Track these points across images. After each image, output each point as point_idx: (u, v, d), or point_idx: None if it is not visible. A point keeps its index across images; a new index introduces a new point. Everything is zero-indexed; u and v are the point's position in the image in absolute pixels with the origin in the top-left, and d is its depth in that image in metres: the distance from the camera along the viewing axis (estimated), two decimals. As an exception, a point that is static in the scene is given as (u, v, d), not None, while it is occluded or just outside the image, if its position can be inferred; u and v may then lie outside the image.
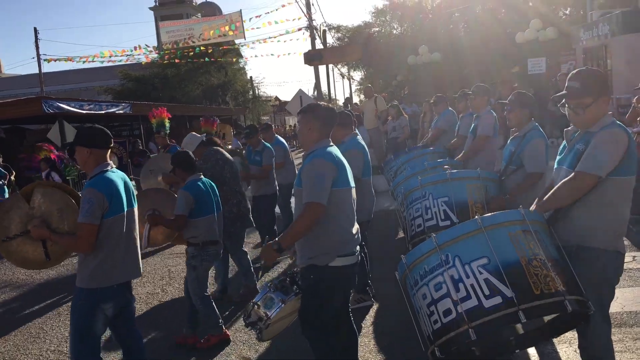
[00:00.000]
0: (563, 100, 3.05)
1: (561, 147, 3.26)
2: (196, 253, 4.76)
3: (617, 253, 2.94)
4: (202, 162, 5.63)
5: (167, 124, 8.58)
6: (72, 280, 7.08)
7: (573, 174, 2.87)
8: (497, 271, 2.65)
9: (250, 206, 6.27)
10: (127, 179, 3.61)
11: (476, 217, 2.83)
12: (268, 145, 7.62)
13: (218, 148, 5.97)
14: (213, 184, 5.04)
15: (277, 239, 3.25)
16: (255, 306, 3.29)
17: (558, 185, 2.97)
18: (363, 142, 5.34)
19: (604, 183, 2.84)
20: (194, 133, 6.72)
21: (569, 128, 3.14)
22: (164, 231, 5.06)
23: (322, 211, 3.13)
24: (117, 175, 3.49)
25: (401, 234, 7.76)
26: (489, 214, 2.95)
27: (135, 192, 3.70)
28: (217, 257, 4.97)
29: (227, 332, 4.89)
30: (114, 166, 3.56)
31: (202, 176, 4.95)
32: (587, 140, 2.93)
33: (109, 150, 3.53)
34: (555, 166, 3.18)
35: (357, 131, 5.52)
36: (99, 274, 3.36)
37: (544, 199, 3.01)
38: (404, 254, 3.03)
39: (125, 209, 3.44)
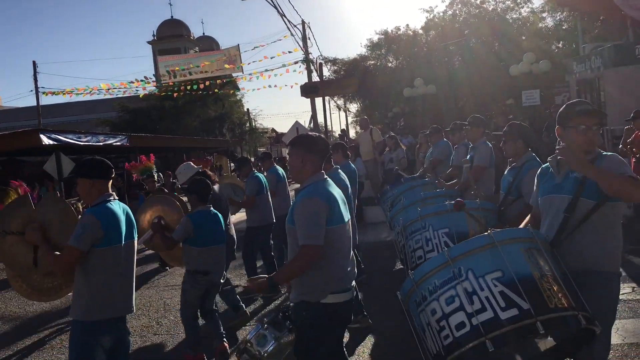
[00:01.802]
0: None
1: (540, 174, 3.26)
2: (187, 278, 5.00)
3: (619, 276, 3.02)
4: None
5: (153, 169, 8.58)
6: (65, 313, 7.04)
7: (624, 176, 2.78)
8: (512, 284, 2.63)
9: (235, 238, 6.41)
10: (129, 211, 3.57)
11: (489, 231, 2.83)
12: (256, 174, 7.50)
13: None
14: (220, 216, 5.15)
15: (272, 275, 3.19)
16: (248, 344, 3.19)
17: (619, 178, 2.79)
18: (342, 180, 5.13)
19: (606, 207, 2.90)
20: (190, 163, 6.75)
21: (553, 157, 3.13)
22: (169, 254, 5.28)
23: (319, 252, 3.05)
24: (119, 207, 3.46)
25: (399, 265, 7.71)
26: (500, 229, 2.94)
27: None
28: (208, 287, 5.01)
29: (202, 354, 5.01)
30: (116, 198, 3.54)
31: (211, 208, 5.10)
32: None
33: (111, 181, 3.52)
34: (545, 195, 3.14)
35: (338, 167, 5.49)
36: (94, 306, 3.30)
37: (603, 173, 2.80)
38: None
39: (124, 242, 3.40)
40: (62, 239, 3.44)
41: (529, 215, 3.52)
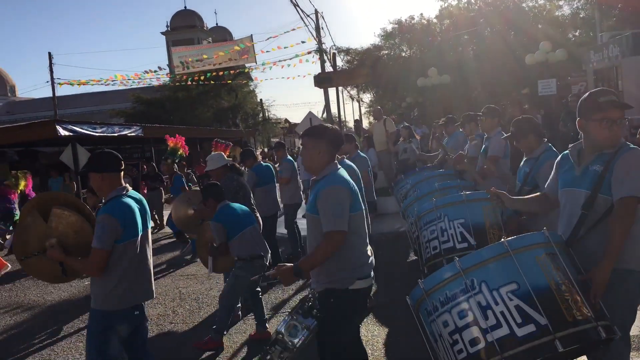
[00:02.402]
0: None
1: (560, 164, 3.17)
2: (242, 265, 5.18)
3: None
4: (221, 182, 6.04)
5: (179, 154, 8.63)
6: (83, 302, 7.15)
7: (618, 202, 2.74)
8: (528, 297, 2.51)
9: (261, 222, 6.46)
10: (144, 201, 3.63)
11: (502, 239, 2.70)
12: (262, 165, 7.92)
13: (234, 174, 6.55)
14: (239, 205, 5.49)
15: (297, 263, 3.22)
16: (280, 335, 3.20)
17: (610, 224, 2.78)
18: (352, 166, 5.36)
19: None
20: (222, 154, 6.84)
21: (573, 146, 3.06)
22: (225, 260, 5.42)
23: (343, 239, 3.11)
24: (133, 198, 3.52)
25: (412, 256, 7.71)
26: (514, 237, 2.82)
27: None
28: (261, 271, 5.00)
29: (223, 342, 5.22)
30: (130, 188, 3.59)
31: (228, 202, 5.38)
32: (605, 161, 2.85)
33: (122, 173, 3.56)
34: (564, 187, 3.06)
35: (343, 158, 5.61)
36: (113, 296, 3.38)
37: (608, 252, 2.74)
38: (417, 277, 2.97)
39: (140, 233, 3.47)
40: (82, 246, 3.52)
41: (540, 195, 3.43)
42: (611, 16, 19.82)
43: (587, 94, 3.04)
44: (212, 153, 6.68)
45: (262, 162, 8.14)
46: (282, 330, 3.19)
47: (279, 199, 8.44)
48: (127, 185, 3.59)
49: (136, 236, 3.43)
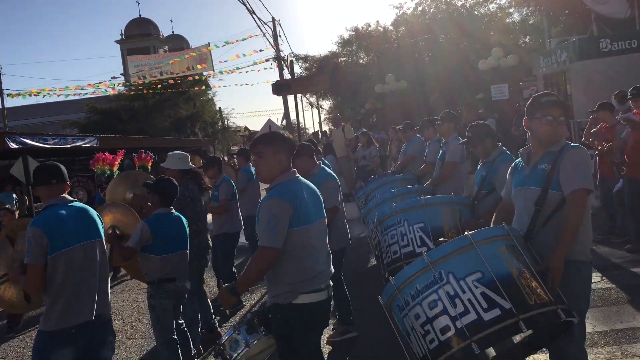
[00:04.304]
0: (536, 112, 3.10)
1: (513, 167, 3.38)
2: (153, 292, 4.52)
3: (590, 264, 3.09)
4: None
5: (114, 172, 8.04)
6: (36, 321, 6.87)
7: (570, 195, 2.93)
8: (492, 284, 2.68)
9: (211, 243, 5.90)
10: (89, 211, 3.43)
11: (466, 233, 2.87)
12: (227, 177, 6.87)
13: (191, 184, 5.55)
14: (184, 219, 4.73)
15: (232, 284, 3.10)
16: (221, 347, 3.19)
17: (565, 215, 2.94)
18: (331, 171, 5.35)
19: None
20: (188, 155, 5.84)
21: (524, 149, 3.26)
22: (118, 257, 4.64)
23: (275, 255, 2.99)
24: (70, 208, 3.32)
25: (373, 262, 7.75)
26: (476, 230, 2.98)
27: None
28: (177, 295, 4.60)
29: None
30: (72, 199, 3.40)
31: (173, 211, 4.66)
32: (552, 159, 3.04)
33: (58, 185, 3.35)
34: (517, 187, 3.22)
35: (321, 160, 5.52)
36: (52, 315, 3.19)
37: (563, 240, 2.90)
38: (379, 283, 3.00)
39: (76, 244, 3.25)
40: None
41: (498, 207, 3.58)
42: (559, 23, 20.54)
43: (532, 97, 3.28)
44: (177, 152, 5.74)
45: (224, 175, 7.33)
46: (225, 343, 3.18)
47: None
48: (66, 196, 3.38)
49: (67, 247, 3.20)
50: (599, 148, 6.99)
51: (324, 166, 5.42)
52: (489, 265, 2.72)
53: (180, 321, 4.79)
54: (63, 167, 3.44)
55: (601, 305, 5.21)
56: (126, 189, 6.22)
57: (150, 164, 8.34)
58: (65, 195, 3.38)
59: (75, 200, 3.44)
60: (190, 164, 5.75)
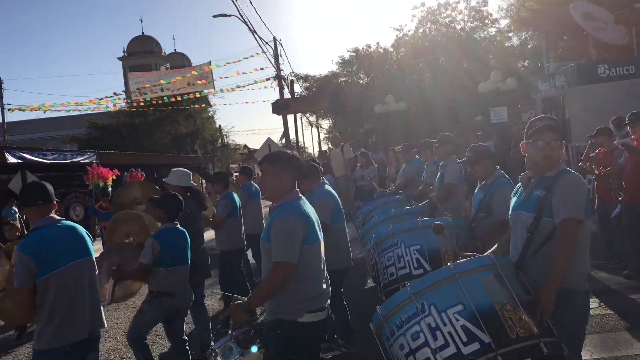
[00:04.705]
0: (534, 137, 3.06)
1: (515, 191, 3.35)
2: (149, 299, 4.67)
3: (587, 292, 3.01)
4: None
5: (108, 186, 7.96)
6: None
7: (560, 224, 2.86)
8: (473, 317, 2.65)
9: (209, 258, 6.07)
10: (78, 229, 3.45)
11: (449, 263, 2.84)
12: (229, 195, 6.91)
13: (192, 202, 5.76)
14: (187, 234, 4.88)
15: (246, 299, 3.13)
16: (213, 353, 3.17)
17: (553, 245, 2.89)
18: (331, 189, 5.32)
19: None
20: (190, 173, 6.12)
21: (524, 174, 3.22)
22: (124, 289, 4.97)
23: (292, 270, 3.03)
24: (58, 229, 3.33)
25: (370, 283, 7.70)
26: (461, 260, 2.97)
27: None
28: (172, 311, 4.74)
29: None
30: (60, 218, 3.42)
31: (177, 225, 4.82)
32: (546, 185, 2.99)
33: (44, 205, 3.35)
34: (512, 211, 3.22)
35: (324, 180, 5.52)
36: (46, 333, 3.22)
37: (552, 271, 2.84)
38: (376, 304, 3.00)
39: (66, 264, 3.28)
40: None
41: (506, 231, 3.51)
42: (557, 47, 20.74)
43: (530, 120, 3.26)
44: (180, 168, 5.95)
45: (229, 191, 7.11)
46: (217, 350, 3.15)
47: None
48: (53, 215, 3.40)
49: (57, 269, 3.23)
50: (597, 173, 7.00)
51: (327, 183, 5.41)
52: (471, 298, 2.69)
53: (184, 337, 4.92)
54: (50, 186, 3.43)
55: (599, 331, 5.17)
56: (126, 233, 6.29)
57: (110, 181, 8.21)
58: (53, 214, 3.39)
59: (63, 219, 3.45)
60: (191, 180, 5.96)
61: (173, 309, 4.72)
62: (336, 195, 5.31)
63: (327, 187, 5.31)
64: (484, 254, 3.00)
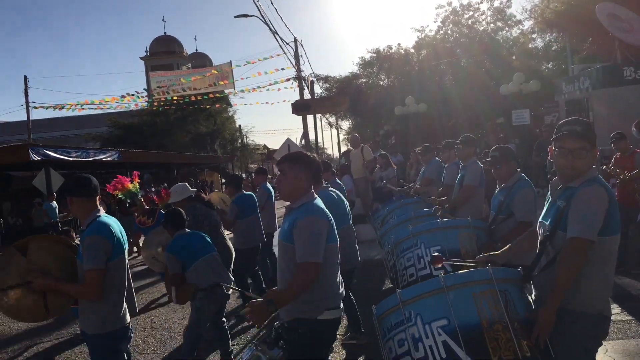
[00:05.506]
0: (557, 144, 2.82)
1: (547, 197, 3.17)
2: (202, 296, 4.93)
3: (601, 316, 2.72)
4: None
5: (137, 194, 7.83)
6: (49, 329, 6.92)
7: (569, 241, 2.62)
8: (454, 334, 2.59)
9: (232, 251, 6.51)
10: (118, 223, 3.62)
11: (440, 275, 2.78)
12: (238, 198, 7.25)
13: (197, 204, 6.46)
14: (198, 233, 5.31)
15: (272, 299, 3.03)
16: None
17: (557, 262, 2.69)
18: (335, 192, 5.34)
19: None
20: (187, 185, 6.83)
21: (555, 179, 2.97)
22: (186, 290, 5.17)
23: (319, 270, 3.02)
24: (111, 219, 3.54)
25: (388, 284, 7.66)
26: (451, 273, 2.92)
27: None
28: (223, 299, 5.10)
29: None
30: (104, 212, 3.56)
31: (187, 231, 5.20)
32: (568, 196, 2.75)
33: (97, 197, 3.54)
34: (540, 219, 3.03)
35: (328, 184, 5.69)
36: (112, 317, 3.38)
37: (553, 291, 2.63)
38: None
39: (123, 252, 3.49)
40: (66, 275, 3.46)
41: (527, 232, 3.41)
42: (582, 49, 20.42)
43: (559, 123, 3.03)
44: (177, 184, 6.64)
45: (244, 192, 7.49)
46: None
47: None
48: (102, 208, 3.58)
49: (123, 253, 3.47)
50: (621, 177, 6.88)
51: (329, 188, 5.42)
52: (456, 314, 2.61)
53: (223, 319, 5.27)
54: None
55: (621, 337, 5.07)
56: (157, 246, 6.46)
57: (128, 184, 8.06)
58: (99, 206, 3.56)
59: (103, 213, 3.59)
60: (190, 188, 6.67)
61: (225, 297, 5.06)
62: (340, 196, 5.36)
63: (330, 190, 5.37)
64: (484, 268, 2.86)
